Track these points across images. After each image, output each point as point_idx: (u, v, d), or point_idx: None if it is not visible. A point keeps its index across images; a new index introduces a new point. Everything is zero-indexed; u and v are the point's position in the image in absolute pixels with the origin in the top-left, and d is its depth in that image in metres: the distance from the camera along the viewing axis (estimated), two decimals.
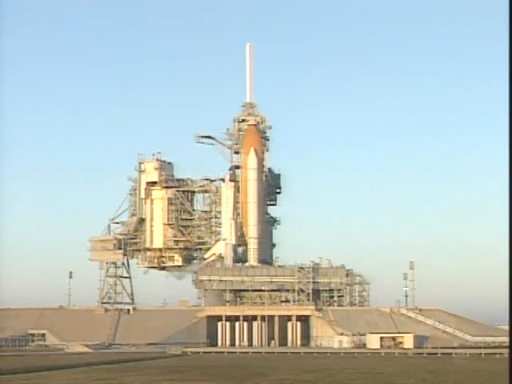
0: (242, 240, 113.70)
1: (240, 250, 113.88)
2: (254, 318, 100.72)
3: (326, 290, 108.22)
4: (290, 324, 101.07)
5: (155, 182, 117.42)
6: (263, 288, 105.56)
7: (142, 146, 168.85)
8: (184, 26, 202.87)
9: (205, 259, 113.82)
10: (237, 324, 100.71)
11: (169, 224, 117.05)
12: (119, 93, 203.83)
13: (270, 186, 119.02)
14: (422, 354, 76.34)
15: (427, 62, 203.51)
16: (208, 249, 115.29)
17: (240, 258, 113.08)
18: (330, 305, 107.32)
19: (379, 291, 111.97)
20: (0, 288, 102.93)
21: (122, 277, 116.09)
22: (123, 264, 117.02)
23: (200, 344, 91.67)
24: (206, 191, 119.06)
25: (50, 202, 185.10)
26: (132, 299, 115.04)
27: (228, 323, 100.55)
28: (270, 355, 77.57)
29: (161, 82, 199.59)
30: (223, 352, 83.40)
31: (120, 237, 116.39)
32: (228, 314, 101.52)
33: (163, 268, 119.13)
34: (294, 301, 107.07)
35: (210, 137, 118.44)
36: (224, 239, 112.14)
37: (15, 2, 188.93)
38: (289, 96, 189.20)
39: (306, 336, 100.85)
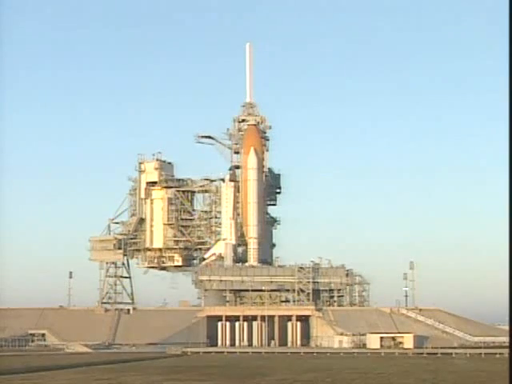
0: (241, 240, 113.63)
1: (240, 249, 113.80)
2: (254, 318, 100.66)
3: (325, 290, 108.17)
4: (289, 324, 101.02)
5: (155, 182, 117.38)
6: (263, 288, 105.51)
7: (142, 146, 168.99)
8: (184, 26, 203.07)
9: (205, 259, 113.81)
10: (237, 324, 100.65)
11: (169, 224, 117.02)
12: (119, 93, 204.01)
13: (270, 186, 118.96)
14: (422, 354, 76.37)
15: (427, 63, 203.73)
16: (208, 249, 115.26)
17: (240, 258, 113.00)
18: (330, 305, 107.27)
19: (379, 291, 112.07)
20: (0, 288, 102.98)
21: (122, 277, 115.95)
22: (123, 264, 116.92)
23: (200, 344, 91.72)
24: (206, 191, 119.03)
25: (50, 202, 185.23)
26: (132, 299, 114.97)
27: (228, 323, 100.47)
28: (270, 355, 77.59)
29: (161, 82, 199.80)
30: (223, 352, 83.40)
31: (120, 237, 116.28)
32: (228, 314, 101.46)
33: (163, 268, 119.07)
34: (294, 301, 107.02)
35: (210, 137, 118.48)
36: (224, 239, 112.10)
37: (16, 3, 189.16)
38: (289, 96, 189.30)
39: (306, 336, 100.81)
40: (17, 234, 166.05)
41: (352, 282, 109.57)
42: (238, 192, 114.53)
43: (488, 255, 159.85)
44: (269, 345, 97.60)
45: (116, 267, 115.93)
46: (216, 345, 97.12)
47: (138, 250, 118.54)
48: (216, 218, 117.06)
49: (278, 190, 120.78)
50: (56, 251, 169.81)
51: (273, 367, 53.07)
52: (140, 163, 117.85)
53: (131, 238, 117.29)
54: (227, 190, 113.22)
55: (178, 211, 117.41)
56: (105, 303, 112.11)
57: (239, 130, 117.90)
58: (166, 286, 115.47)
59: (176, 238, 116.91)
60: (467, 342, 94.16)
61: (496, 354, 71.74)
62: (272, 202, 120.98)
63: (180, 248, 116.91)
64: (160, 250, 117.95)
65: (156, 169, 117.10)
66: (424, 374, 45.49)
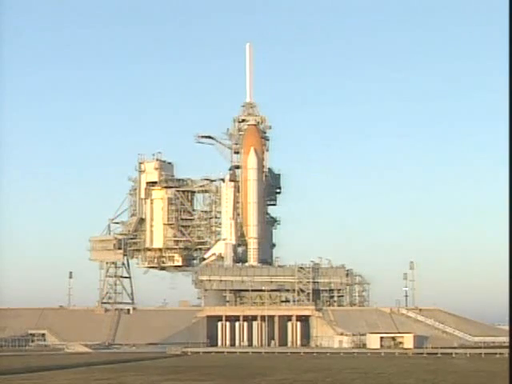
0: (241, 240, 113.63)
1: (240, 249, 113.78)
2: (254, 318, 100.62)
3: (326, 290, 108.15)
4: (289, 324, 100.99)
5: (155, 182, 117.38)
6: (263, 288, 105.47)
7: (142, 146, 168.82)
8: (184, 25, 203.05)
9: (205, 259, 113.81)
10: (237, 324, 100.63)
11: (169, 224, 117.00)
12: (119, 93, 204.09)
13: (270, 186, 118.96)
14: (422, 353, 76.39)
15: (427, 63, 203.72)
16: (208, 249, 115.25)
17: (240, 258, 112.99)
18: (330, 305, 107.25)
19: (379, 291, 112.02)
20: (0, 288, 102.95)
21: (122, 277, 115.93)
22: (123, 264, 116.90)
23: (200, 344, 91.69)
24: (205, 191, 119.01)
25: (50, 201, 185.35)
26: (132, 299, 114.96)
27: (228, 323, 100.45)
28: (270, 355, 77.60)
29: (161, 82, 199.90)
30: (223, 352, 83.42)
31: (120, 237, 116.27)
32: (228, 314, 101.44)
33: (163, 268, 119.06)
34: (293, 301, 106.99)
35: (210, 137, 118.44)
36: (224, 239, 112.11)
37: (16, 3, 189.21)
38: (289, 96, 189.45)
39: (306, 336, 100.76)
40: (17, 234, 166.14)
41: (352, 281, 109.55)
42: (238, 192, 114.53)
43: (488, 255, 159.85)
44: (269, 345, 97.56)
45: (116, 267, 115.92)
46: (216, 345, 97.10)
47: (138, 250, 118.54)
48: (216, 217, 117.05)
49: (278, 190, 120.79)
50: (56, 251, 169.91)
51: (273, 367, 53.08)
52: (140, 163, 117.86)
53: (131, 238, 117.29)
54: (227, 190, 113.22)
55: (178, 211, 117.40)
56: (105, 303, 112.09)
57: (239, 129, 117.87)
58: (165, 286, 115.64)
59: (176, 238, 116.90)
60: (467, 342, 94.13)
61: (496, 353, 71.76)
62: (272, 202, 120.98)
63: (180, 248, 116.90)
64: (160, 249, 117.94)
65: (156, 169, 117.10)
66: (424, 374, 45.51)
